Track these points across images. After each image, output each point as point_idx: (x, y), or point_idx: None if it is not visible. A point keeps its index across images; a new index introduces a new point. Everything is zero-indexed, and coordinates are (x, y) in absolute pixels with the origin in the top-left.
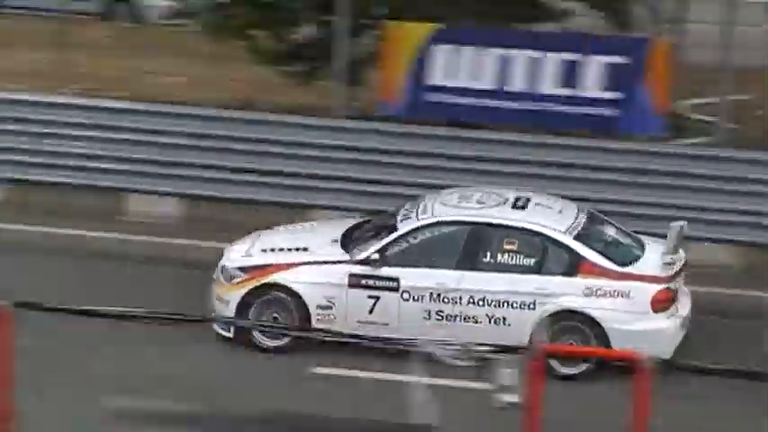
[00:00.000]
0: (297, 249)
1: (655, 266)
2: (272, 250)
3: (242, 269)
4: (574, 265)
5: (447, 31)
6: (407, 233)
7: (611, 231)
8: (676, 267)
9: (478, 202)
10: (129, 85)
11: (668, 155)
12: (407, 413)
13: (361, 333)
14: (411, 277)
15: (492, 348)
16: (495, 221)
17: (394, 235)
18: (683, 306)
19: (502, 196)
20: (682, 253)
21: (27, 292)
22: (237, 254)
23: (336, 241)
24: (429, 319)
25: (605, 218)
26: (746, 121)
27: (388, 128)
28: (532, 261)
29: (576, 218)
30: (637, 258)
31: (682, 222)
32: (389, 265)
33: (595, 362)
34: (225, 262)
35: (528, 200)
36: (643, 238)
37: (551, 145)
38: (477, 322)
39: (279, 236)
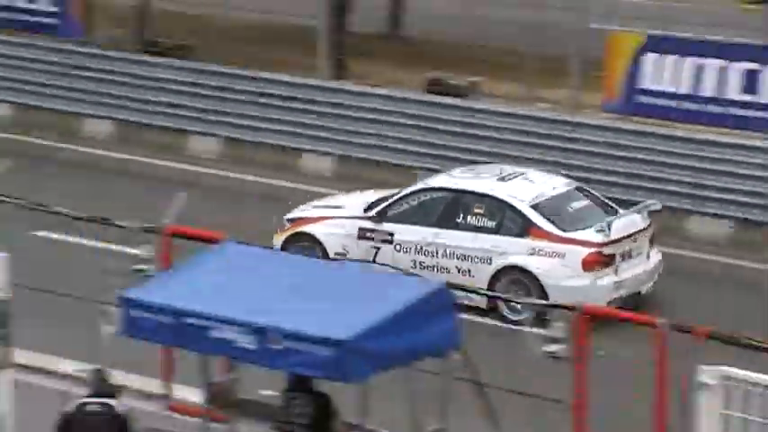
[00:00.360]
0: (333, 207)
1: (595, 233)
2: (317, 207)
3: (289, 220)
4: (525, 229)
5: None
6: (406, 195)
7: (581, 204)
8: (615, 235)
9: (477, 174)
10: None
11: None
12: None
13: None
14: (403, 232)
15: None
16: (470, 189)
17: (396, 197)
18: (626, 270)
19: (501, 171)
20: (630, 222)
21: None
22: (298, 208)
23: (367, 202)
24: (415, 267)
25: (590, 192)
26: None
27: None
28: (494, 223)
29: (551, 191)
30: (590, 227)
31: (654, 201)
32: (388, 222)
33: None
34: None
35: (519, 174)
36: (622, 211)
37: None
38: (449, 272)
39: (336, 197)
